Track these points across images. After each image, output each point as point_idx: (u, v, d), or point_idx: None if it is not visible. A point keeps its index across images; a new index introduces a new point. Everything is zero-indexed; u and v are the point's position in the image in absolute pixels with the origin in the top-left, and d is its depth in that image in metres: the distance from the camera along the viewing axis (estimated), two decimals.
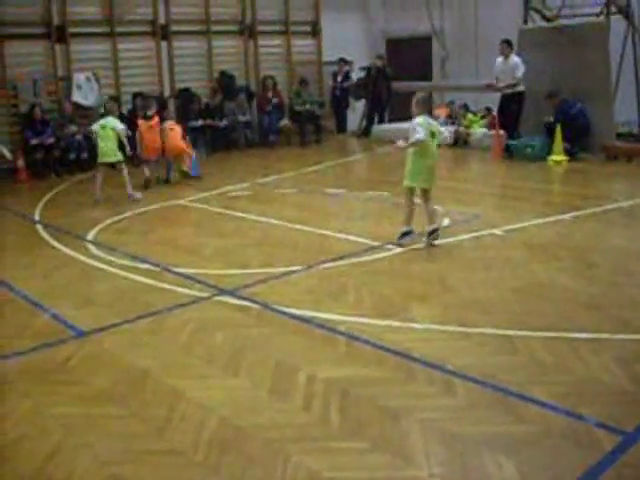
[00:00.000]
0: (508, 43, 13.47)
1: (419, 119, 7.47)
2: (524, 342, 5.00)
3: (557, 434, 3.81)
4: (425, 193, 7.57)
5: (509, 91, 13.44)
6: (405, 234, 7.58)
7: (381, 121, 17.81)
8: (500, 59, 13.57)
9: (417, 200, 7.65)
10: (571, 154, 12.49)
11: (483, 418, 4.02)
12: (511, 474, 3.48)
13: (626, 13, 13.37)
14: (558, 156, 12.55)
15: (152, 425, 4.10)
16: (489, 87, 13.72)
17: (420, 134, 7.30)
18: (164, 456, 3.79)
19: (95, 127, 10.76)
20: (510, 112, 13.60)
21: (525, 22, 14.70)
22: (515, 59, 13.35)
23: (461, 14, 17.32)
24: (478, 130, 14.96)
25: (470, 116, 15.35)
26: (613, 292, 6.04)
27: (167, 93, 15.73)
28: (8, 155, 11.77)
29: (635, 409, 4.05)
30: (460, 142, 14.88)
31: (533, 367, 4.63)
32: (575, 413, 4.00)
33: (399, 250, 7.40)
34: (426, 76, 18.62)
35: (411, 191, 7.61)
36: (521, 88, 13.38)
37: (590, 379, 4.44)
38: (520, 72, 13.22)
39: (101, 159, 10.75)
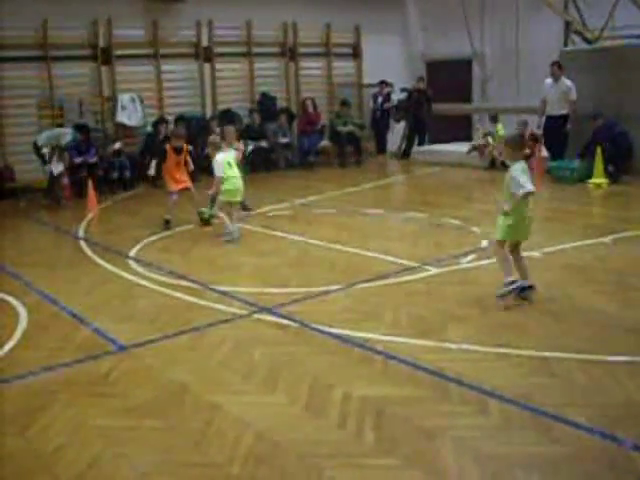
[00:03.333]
0: (559, 66, 13.45)
1: (517, 166, 6.31)
2: (560, 364, 5.00)
3: (592, 456, 3.80)
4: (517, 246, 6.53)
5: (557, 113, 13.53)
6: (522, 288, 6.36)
7: (421, 143, 17.87)
8: (549, 81, 13.60)
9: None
10: (613, 176, 12.42)
11: (517, 438, 4.03)
12: None
13: None
14: (598, 179, 12.48)
15: (190, 438, 4.17)
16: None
17: (528, 185, 6.18)
18: (201, 468, 3.86)
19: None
20: (557, 134, 13.60)
21: (565, 44, 14.69)
22: (567, 82, 13.36)
23: (501, 36, 17.34)
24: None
25: (497, 129, 15.34)
26: None
27: (209, 114, 15.96)
28: None
29: None
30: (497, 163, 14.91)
31: (569, 389, 4.62)
32: (611, 435, 3.98)
33: (436, 271, 7.43)
34: (466, 98, 18.65)
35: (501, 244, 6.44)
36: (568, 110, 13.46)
37: (626, 402, 4.42)
38: (575, 94, 13.26)
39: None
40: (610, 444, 3.91)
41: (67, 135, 12.52)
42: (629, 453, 3.81)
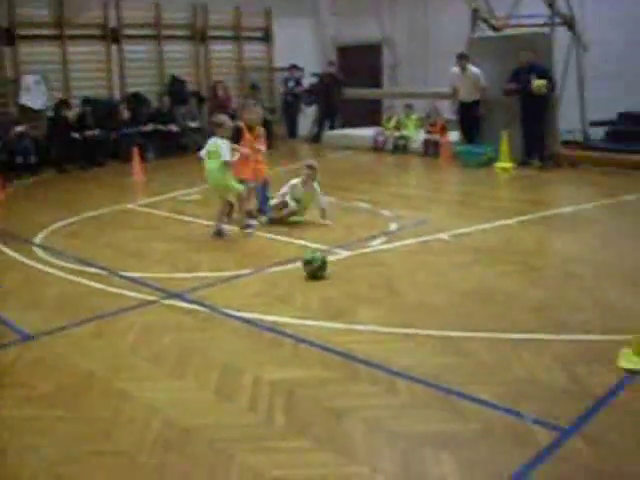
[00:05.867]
0: (465, 57, 13.71)
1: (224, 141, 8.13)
2: (467, 343, 5.11)
3: (497, 431, 3.91)
4: None
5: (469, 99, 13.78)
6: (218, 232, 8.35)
7: (332, 127, 17.95)
8: (456, 69, 13.81)
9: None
10: (527, 159, 12.82)
11: (425, 416, 4.10)
12: (451, 470, 3.56)
13: (570, 23, 13.67)
14: (505, 163, 12.81)
15: (98, 427, 4.10)
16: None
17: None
18: (109, 457, 3.79)
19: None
20: (470, 119, 13.85)
21: (473, 31, 14.94)
22: (474, 69, 13.62)
23: (411, 22, 17.53)
24: (413, 134, 15.44)
25: (412, 118, 15.73)
26: (555, 295, 6.18)
27: (117, 97, 15.64)
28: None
29: (571, 406, 4.16)
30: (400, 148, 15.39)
31: (475, 367, 4.73)
32: (514, 411, 4.10)
33: (347, 254, 7.49)
34: (377, 83, 18.81)
35: None
36: (479, 96, 13.70)
37: (530, 378, 4.55)
38: (484, 81, 13.56)
39: None
40: (514, 419, 4.03)
41: None
42: (531, 427, 3.93)
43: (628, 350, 4.76)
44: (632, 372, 4.57)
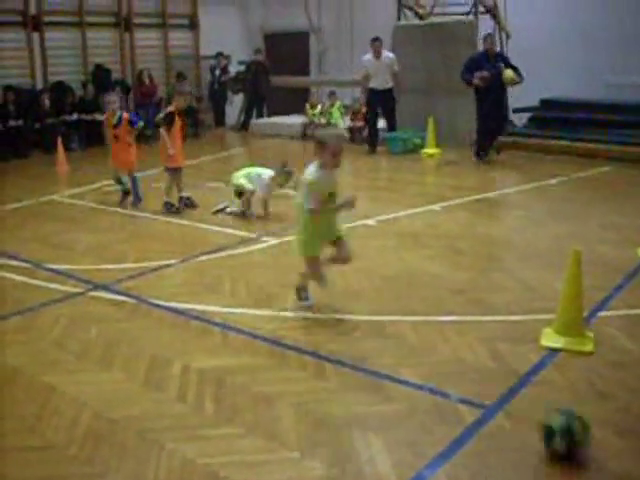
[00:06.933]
0: (379, 40, 13.26)
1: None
2: (394, 327, 5.20)
3: (423, 411, 4.00)
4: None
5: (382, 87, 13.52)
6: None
7: (260, 115, 17.91)
8: (370, 56, 13.27)
9: None
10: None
11: (353, 399, 4.16)
12: (379, 450, 3.63)
13: (493, 12, 13.93)
14: (431, 149, 12.99)
15: (24, 422, 4.03)
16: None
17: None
18: (37, 452, 3.74)
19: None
20: (387, 108, 13.79)
21: (399, 19, 15.09)
22: (390, 55, 13.33)
23: (338, 9, 17.56)
24: (340, 122, 15.51)
25: (336, 106, 15.78)
26: (478, 277, 6.33)
27: (40, 86, 15.28)
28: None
29: (495, 384, 4.28)
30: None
31: (402, 350, 4.81)
32: (440, 391, 4.20)
33: (274, 242, 7.51)
34: (304, 71, 18.82)
35: None
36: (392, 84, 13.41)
37: (454, 359, 4.67)
38: (397, 66, 13.19)
39: None
40: (439, 399, 4.13)
41: None
42: (457, 406, 4.04)
43: (550, 329, 4.92)
44: (553, 350, 4.72)
